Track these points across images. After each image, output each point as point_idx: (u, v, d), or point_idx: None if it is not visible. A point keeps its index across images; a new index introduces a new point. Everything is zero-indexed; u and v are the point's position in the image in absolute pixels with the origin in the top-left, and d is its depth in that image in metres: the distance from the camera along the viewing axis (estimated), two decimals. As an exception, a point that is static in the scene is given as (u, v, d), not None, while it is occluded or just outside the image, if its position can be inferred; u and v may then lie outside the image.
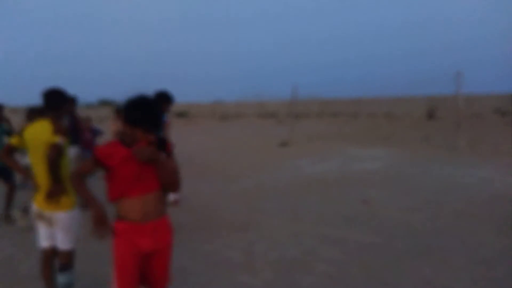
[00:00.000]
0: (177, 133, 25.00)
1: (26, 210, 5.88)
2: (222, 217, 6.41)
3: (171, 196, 7.43)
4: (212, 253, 4.95)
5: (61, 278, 3.40)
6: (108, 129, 8.25)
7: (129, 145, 2.60)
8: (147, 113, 2.58)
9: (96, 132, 9.43)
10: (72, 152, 5.99)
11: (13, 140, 3.53)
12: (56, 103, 3.48)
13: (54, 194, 3.28)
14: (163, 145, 2.70)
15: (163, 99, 6.24)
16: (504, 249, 4.78)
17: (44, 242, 3.49)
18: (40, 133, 3.36)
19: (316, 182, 8.83)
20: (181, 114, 45.45)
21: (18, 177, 7.19)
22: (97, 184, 4.10)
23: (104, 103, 59.22)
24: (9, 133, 6.61)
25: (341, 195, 7.62)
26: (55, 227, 3.38)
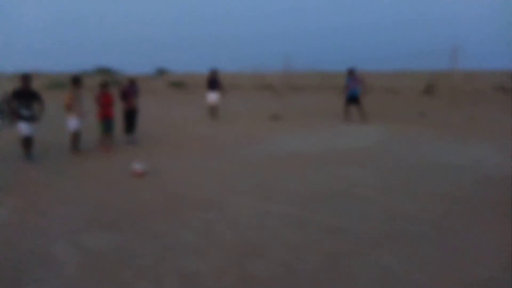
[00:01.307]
0: (166, 103, 24.63)
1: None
2: (187, 195, 6.09)
3: (137, 166, 7.15)
4: (166, 234, 4.64)
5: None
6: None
7: None
8: None
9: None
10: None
11: None
12: None
13: None
14: None
15: None
16: (479, 238, 4.46)
17: None
18: None
19: (297, 159, 8.49)
20: (178, 84, 44.79)
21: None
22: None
23: (101, 71, 58.36)
24: None
25: (319, 173, 7.28)
26: None
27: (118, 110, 10.54)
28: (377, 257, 4.00)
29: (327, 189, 6.29)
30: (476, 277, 3.60)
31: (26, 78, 8.61)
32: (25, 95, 8.39)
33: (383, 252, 4.10)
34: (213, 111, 15.63)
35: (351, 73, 14.19)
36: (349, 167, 7.68)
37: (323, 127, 13.11)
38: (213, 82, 15.41)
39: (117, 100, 10.25)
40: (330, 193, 6.08)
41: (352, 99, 14.16)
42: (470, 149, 9.31)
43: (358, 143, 10.20)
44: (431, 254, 4.06)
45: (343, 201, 5.73)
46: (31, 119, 8.36)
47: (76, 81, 9.15)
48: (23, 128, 8.30)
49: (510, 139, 10.38)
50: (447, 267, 3.79)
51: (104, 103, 9.47)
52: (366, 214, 5.19)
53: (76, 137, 9.08)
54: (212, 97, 15.54)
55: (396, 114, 16.93)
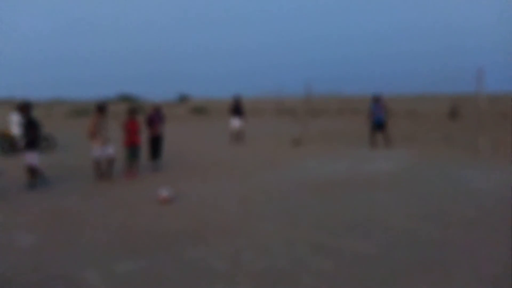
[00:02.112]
0: (189, 129, 24.93)
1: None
2: (215, 220, 6.10)
3: (163, 192, 7.22)
4: (195, 260, 4.64)
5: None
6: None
7: None
8: None
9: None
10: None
11: None
12: None
13: None
14: None
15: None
16: (517, 266, 4.31)
17: None
18: None
19: (322, 185, 8.43)
20: (200, 110, 45.39)
21: None
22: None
23: (123, 98, 59.77)
24: None
25: (345, 199, 7.21)
26: None
27: (143, 137, 10.74)
28: (411, 285, 3.90)
29: (353, 216, 6.21)
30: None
31: (26, 106, 8.76)
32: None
33: (417, 280, 4.00)
34: (238, 136, 15.97)
35: (376, 100, 14.17)
36: (375, 193, 7.58)
37: (347, 152, 13.03)
38: (237, 108, 15.79)
39: (143, 127, 10.47)
40: (357, 220, 6.00)
41: (378, 125, 14.09)
42: (497, 173, 9.09)
43: (383, 168, 10.09)
44: (467, 282, 3.94)
45: (371, 227, 5.64)
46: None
47: (101, 108, 9.31)
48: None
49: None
50: (486, 298, 3.67)
51: (131, 130, 9.68)
52: (395, 241, 5.09)
53: (98, 165, 9.24)
54: (236, 123, 15.87)
55: (421, 138, 16.74)
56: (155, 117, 10.95)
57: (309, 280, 4.08)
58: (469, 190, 7.63)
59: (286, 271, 4.31)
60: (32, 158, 8.52)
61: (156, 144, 10.84)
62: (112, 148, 9.30)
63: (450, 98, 36.77)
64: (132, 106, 10.69)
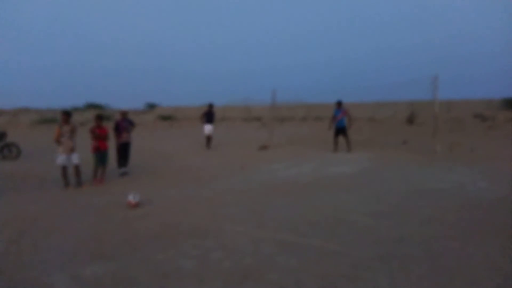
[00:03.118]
0: (157, 136, 24.66)
1: None
2: (183, 223, 6.07)
3: (131, 197, 7.14)
4: (164, 262, 4.61)
5: None
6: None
7: None
8: None
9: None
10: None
11: None
12: None
13: None
14: None
15: None
16: (468, 258, 4.52)
17: None
18: None
19: (287, 187, 8.54)
20: (167, 118, 44.98)
21: None
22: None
23: (91, 107, 58.34)
24: None
25: (309, 200, 7.33)
26: None
27: (112, 143, 10.57)
28: (372, 279, 4.02)
29: (317, 215, 6.32)
30: (468, 296, 3.64)
31: None
32: None
33: (378, 275, 4.13)
34: (208, 140, 16.48)
35: (339, 105, 14.53)
36: (337, 194, 7.75)
37: (311, 156, 13.24)
38: (210, 115, 16.32)
39: (111, 133, 10.30)
40: (321, 219, 6.11)
41: (339, 129, 14.45)
42: (453, 174, 9.48)
43: (345, 171, 10.32)
44: (424, 275, 4.10)
45: (334, 226, 5.76)
46: None
47: (65, 115, 9.11)
48: None
49: (490, 164, 10.62)
50: (441, 287, 3.82)
51: (98, 136, 9.50)
52: (357, 238, 5.23)
53: (65, 172, 9.02)
54: (208, 128, 16.37)
55: (380, 142, 17.21)
56: (122, 124, 10.78)
57: (275, 277, 4.13)
58: (425, 190, 7.92)
59: (253, 269, 4.35)
60: None
61: (123, 150, 10.67)
62: (77, 155, 9.09)
63: (408, 105, 37.95)
64: (99, 113, 10.50)
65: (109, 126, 10.66)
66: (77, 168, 9.10)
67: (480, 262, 4.39)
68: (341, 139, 14.63)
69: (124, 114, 11.05)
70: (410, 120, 27.92)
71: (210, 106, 16.60)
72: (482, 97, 39.53)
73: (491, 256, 4.53)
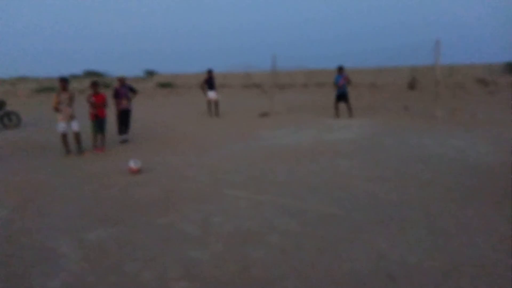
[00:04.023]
0: (157, 103, 24.57)
1: None
2: (184, 189, 6.14)
3: (132, 163, 7.19)
4: (166, 226, 4.69)
5: None
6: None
7: None
8: None
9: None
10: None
11: None
12: None
13: None
14: None
15: None
16: (465, 221, 4.59)
17: None
18: None
19: (287, 153, 8.57)
20: (166, 85, 44.67)
21: None
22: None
23: (90, 74, 57.90)
24: None
25: (310, 166, 7.37)
26: None
27: (112, 111, 10.55)
28: (370, 242, 4.10)
29: (317, 180, 6.38)
30: (466, 257, 3.72)
31: None
32: None
33: (376, 237, 4.21)
34: (215, 106, 16.20)
35: (340, 70, 14.39)
36: (337, 159, 7.79)
37: (311, 122, 13.23)
38: (211, 81, 16.02)
39: (110, 100, 10.25)
40: (321, 184, 6.18)
41: (341, 95, 14.37)
42: (453, 139, 9.49)
43: (346, 137, 10.33)
44: (421, 237, 4.18)
45: (333, 190, 5.83)
46: None
47: (63, 82, 9.04)
48: None
49: (491, 129, 10.62)
50: (437, 249, 3.90)
51: (95, 103, 9.44)
52: (356, 202, 5.30)
53: (66, 140, 9.03)
54: (212, 94, 16.19)
55: (381, 108, 17.13)
56: (121, 90, 10.70)
57: (276, 239, 4.22)
58: (425, 155, 7.95)
59: (254, 232, 4.43)
60: None
61: (124, 117, 10.65)
62: (76, 123, 9.09)
63: (409, 70, 37.54)
64: (94, 80, 10.39)
65: (108, 94, 10.59)
66: (77, 135, 9.12)
67: (477, 224, 4.46)
68: (342, 105, 14.56)
69: (122, 80, 10.92)
70: (412, 85, 27.69)
71: (210, 72, 16.22)
72: (484, 61, 39.02)
73: (488, 218, 4.60)
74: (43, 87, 38.52)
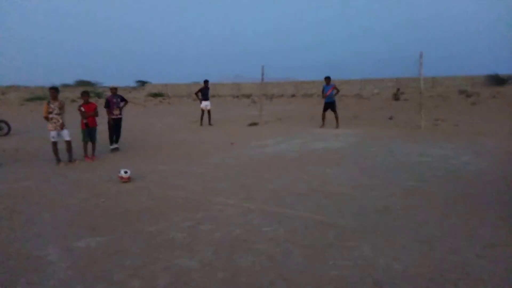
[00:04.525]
0: (148, 112, 24.45)
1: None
2: (174, 197, 6.07)
3: (122, 172, 7.11)
4: (156, 234, 4.63)
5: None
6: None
7: None
8: None
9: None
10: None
11: None
12: None
13: None
14: None
15: None
16: (449, 228, 4.61)
17: None
18: None
19: (276, 161, 8.56)
20: (158, 95, 44.53)
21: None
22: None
23: (81, 84, 57.50)
24: None
25: (298, 174, 7.36)
26: None
27: (104, 120, 10.45)
28: (357, 249, 4.09)
29: (305, 188, 6.37)
30: (450, 263, 3.73)
31: None
32: None
33: (362, 244, 4.19)
34: (208, 115, 16.35)
35: (327, 81, 14.49)
36: (324, 168, 7.79)
37: (299, 132, 13.27)
38: (205, 91, 16.15)
39: (102, 110, 10.17)
40: (308, 191, 6.16)
41: (329, 104, 14.46)
42: (437, 148, 9.58)
43: (333, 146, 10.37)
44: (406, 244, 4.17)
45: (321, 198, 5.82)
46: None
47: (53, 91, 8.93)
48: None
49: (473, 139, 10.75)
50: (422, 256, 3.90)
51: (85, 113, 9.34)
52: (343, 209, 5.29)
53: (56, 147, 8.89)
54: (205, 103, 16.30)
55: (367, 118, 17.27)
56: (113, 100, 10.62)
57: (264, 247, 4.18)
58: (409, 163, 8.00)
59: (242, 239, 4.38)
60: None
61: (115, 126, 10.56)
62: (67, 131, 8.97)
63: (394, 82, 37.99)
64: (85, 90, 10.30)
65: (100, 103, 10.50)
66: (68, 144, 9.00)
67: (461, 231, 4.48)
68: (329, 115, 14.64)
69: (114, 90, 10.86)
70: (396, 96, 28.01)
71: (206, 82, 16.42)
72: (467, 74, 39.69)
73: (472, 226, 4.62)
74: (34, 96, 38.10)
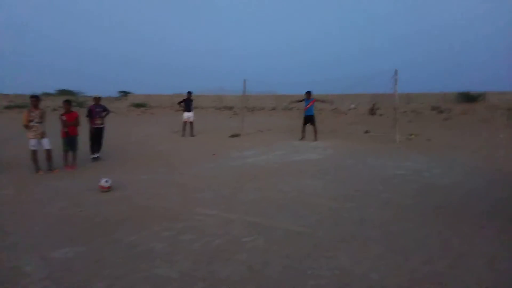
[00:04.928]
0: (130, 122, 24.13)
1: None
2: (155, 207, 5.97)
3: (103, 181, 6.98)
4: (136, 244, 4.53)
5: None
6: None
7: None
8: None
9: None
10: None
11: None
12: None
13: None
14: None
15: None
16: (424, 238, 4.66)
17: None
18: None
19: (256, 172, 8.55)
20: (140, 105, 44.11)
21: None
22: None
23: (63, 93, 56.46)
24: None
25: (278, 185, 7.36)
26: None
27: (85, 129, 10.26)
28: (334, 258, 4.09)
29: (284, 199, 6.36)
30: (424, 274, 3.76)
31: None
32: None
33: (340, 254, 4.20)
34: (190, 127, 16.21)
35: (308, 95, 14.65)
36: (303, 179, 7.82)
37: (279, 144, 13.31)
38: (188, 102, 16.03)
39: (84, 119, 9.99)
40: (287, 202, 6.16)
41: (308, 118, 14.59)
42: (410, 162, 9.74)
43: (312, 158, 10.43)
44: (382, 254, 4.20)
45: (299, 209, 5.82)
46: None
47: (34, 99, 8.74)
48: None
49: (445, 153, 10.98)
50: (397, 266, 3.92)
51: (66, 122, 9.17)
52: (320, 220, 5.30)
53: (35, 156, 8.67)
54: (188, 115, 16.18)
55: (344, 132, 17.47)
56: (95, 109, 10.47)
57: (243, 257, 4.14)
58: (384, 176, 8.11)
59: (222, 249, 4.33)
60: None
61: (96, 136, 10.38)
62: (47, 140, 8.77)
63: (370, 97, 38.62)
64: (67, 99, 10.13)
65: (82, 112, 10.33)
66: (48, 153, 8.79)
67: (434, 242, 4.54)
68: (308, 128, 14.75)
69: (97, 99, 10.71)
70: (372, 111, 28.45)
71: (189, 93, 16.44)
72: (439, 91, 40.69)
73: (445, 237, 4.69)
74: (13, 104, 37.20)
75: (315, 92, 15.29)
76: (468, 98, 37.76)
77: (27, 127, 8.61)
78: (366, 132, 16.84)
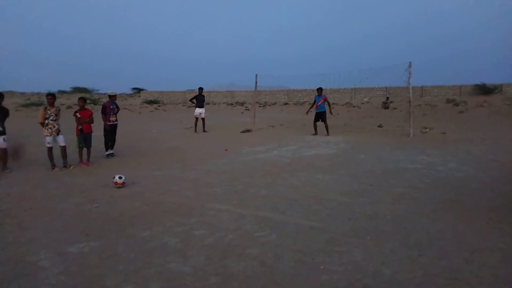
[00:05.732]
0: (143, 119, 24.34)
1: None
2: (168, 203, 6.02)
3: (117, 177, 7.06)
4: (149, 239, 4.57)
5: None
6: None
7: None
8: None
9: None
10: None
11: None
12: None
13: None
14: None
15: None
16: (437, 233, 4.60)
17: None
18: None
19: (268, 167, 8.54)
20: (153, 102, 44.42)
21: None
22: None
23: (78, 90, 57.20)
24: None
25: (290, 180, 7.35)
26: None
27: (100, 126, 10.38)
28: (347, 253, 4.07)
29: (296, 194, 6.35)
30: (439, 269, 3.72)
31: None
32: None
33: (352, 249, 4.18)
34: (202, 122, 16.25)
35: (320, 91, 14.55)
36: (315, 174, 7.79)
37: (291, 139, 13.27)
38: (200, 98, 15.99)
39: (98, 116, 10.10)
40: (300, 197, 6.14)
41: (319, 114, 14.49)
42: (424, 156, 9.62)
43: (324, 153, 10.38)
44: (395, 249, 4.16)
45: (311, 204, 5.80)
46: (4, 133, 8.63)
47: (51, 97, 8.90)
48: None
49: (460, 146, 10.82)
50: (411, 261, 3.89)
51: (81, 119, 9.28)
52: (333, 215, 5.28)
53: (51, 153, 8.81)
54: (199, 111, 16.18)
55: (357, 126, 17.34)
56: (110, 106, 10.56)
57: (256, 252, 4.14)
58: (398, 170, 8.02)
59: (234, 244, 4.35)
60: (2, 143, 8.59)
61: (110, 133, 10.49)
62: (62, 137, 8.90)
63: (384, 90, 38.22)
64: (82, 96, 10.25)
65: (96, 110, 10.44)
66: (63, 150, 8.92)
67: (449, 237, 4.48)
68: (320, 124, 14.67)
69: (113, 97, 10.79)
70: (386, 105, 28.18)
71: (200, 89, 16.47)
72: (455, 83, 40.06)
73: (460, 232, 4.62)
74: (30, 102, 37.82)
75: (328, 87, 15.15)
76: (484, 90, 37.11)
77: (42, 124, 8.74)
78: (380, 126, 16.68)
